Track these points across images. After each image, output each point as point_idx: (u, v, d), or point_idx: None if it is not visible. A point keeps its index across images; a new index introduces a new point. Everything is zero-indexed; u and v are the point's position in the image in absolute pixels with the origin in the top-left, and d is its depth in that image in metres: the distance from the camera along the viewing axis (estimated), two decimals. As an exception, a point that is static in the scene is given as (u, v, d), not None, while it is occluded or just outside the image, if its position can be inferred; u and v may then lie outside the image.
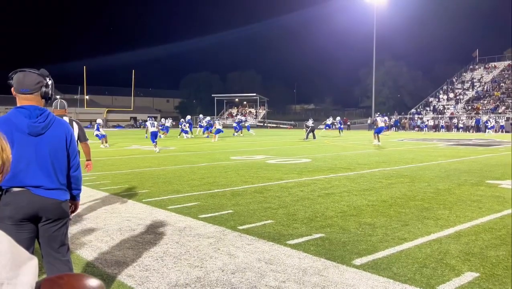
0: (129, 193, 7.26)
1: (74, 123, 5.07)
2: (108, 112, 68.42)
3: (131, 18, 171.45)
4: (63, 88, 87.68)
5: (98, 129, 20.67)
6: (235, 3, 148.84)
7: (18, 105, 2.48)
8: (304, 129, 26.33)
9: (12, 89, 2.49)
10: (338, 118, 34.54)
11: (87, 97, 67.25)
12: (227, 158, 13.77)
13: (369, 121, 50.98)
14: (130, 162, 12.56)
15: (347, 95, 79.34)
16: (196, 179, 8.88)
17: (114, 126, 68.28)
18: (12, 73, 2.49)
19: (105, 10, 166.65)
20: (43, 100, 2.55)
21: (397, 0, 54.96)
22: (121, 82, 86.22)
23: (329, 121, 36.59)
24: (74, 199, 2.76)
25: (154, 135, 16.81)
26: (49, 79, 2.57)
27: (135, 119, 72.55)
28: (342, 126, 33.93)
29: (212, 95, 72.85)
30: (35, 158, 2.44)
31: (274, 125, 64.75)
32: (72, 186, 2.70)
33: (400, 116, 54.79)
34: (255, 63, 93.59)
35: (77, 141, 4.81)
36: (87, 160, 5.44)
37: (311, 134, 25.86)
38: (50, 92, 2.56)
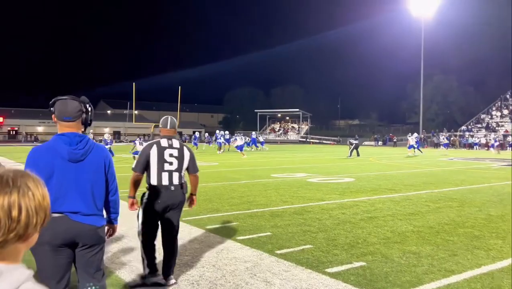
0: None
1: (185, 150, 4.04)
2: (155, 126, 70.49)
3: (178, 37, 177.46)
4: (113, 103, 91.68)
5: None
6: (278, 20, 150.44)
7: (59, 131, 2.56)
8: (348, 146, 25.79)
9: (54, 116, 2.58)
10: (415, 135, 29.75)
11: (136, 112, 69.73)
12: (267, 175, 13.71)
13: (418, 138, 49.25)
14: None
15: (393, 111, 77.25)
16: (236, 198, 8.87)
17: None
18: (54, 101, 2.59)
19: (153, 30, 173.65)
20: (83, 126, 2.64)
21: (446, 13, 53.29)
22: (168, 98, 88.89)
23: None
24: (112, 223, 2.81)
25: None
26: (89, 106, 2.65)
27: (180, 134, 74.21)
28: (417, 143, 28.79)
29: (255, 110, 73.38)
30: (74, 184, 2.50)
31: (317, 141, 64.13)
32: (110, 210, 2.75)
33: (450, 133, 52.60)
34: (298, 78, 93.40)
35: (186, 170, 4.04)
36: (191, 193, 4.31)
37: (355, 151, 25.30)
38: (89, 118, 2.64)
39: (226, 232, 5.83)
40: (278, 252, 4.90)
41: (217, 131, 35.04)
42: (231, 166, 17.54)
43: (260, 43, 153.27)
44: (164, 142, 3.92)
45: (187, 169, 4.07)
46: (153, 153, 3.86)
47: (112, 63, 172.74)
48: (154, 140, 3.94)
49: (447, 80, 61.48)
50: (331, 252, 4.92)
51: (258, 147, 34.33)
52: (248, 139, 33.43)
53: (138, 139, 20.06)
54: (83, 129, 2.65)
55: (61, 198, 2.47)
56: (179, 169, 3.92)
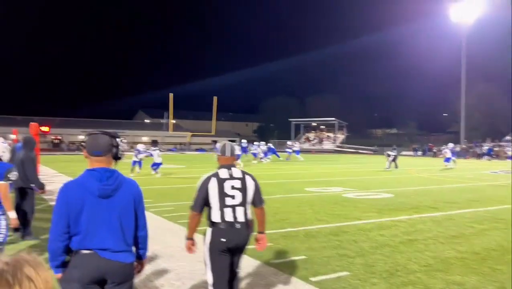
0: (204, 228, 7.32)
1: (249, 178, 3.54)
2: (192, 136, 71.68)
3: (215, 45, 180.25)
4: (151, 113, 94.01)
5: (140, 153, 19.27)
6: (312, 26, 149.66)
7: (89, 167, 2.55)
8: (386, 157, 25.04)
9: (85, 151, 2.58)
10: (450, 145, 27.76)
11: (173, 121, 71.14)
12: (301, 189, 13.51)
13: (458, 148, 47.46)
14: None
15: (433, 119, 74.91)
16: (269, 214, 8.69)
17: (197, 150, 71.21)
18: (86, 136, 2.60)
19: (190, 39, 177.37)
20: (114, 160, 2.62)
21: (489, 17, 51.25)
22: (204, 107, 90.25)
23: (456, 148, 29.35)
24: (141, 258, 2.77)
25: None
26: (119, 139, 2.63)
27: (215, 142, 75.12)
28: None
29: (289, 119, 73.15)
30: (104, 220, 2.48)
31: (353, 151, 63.03)
32: (139, 245, 2.72)
33: (494, 143, 50.30)
34: (334, 85, 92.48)
35: (252, 203, 3.55)
36: (259, 232, 3.66)
37: (393, 163, 24.55)
38: (119, 152, 2.63)
39: (259, 254, 5.72)
40: (313, 279, 4.74)
41: (243, 140, 34.82)
42: (265, 178, 17.43)
43: (295, 49, 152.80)
44: (223, 173, 3.43)
45: (253, 202, 3.55)
46: (212, 186, 3.38)
47: (150, 73, 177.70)
48: (212, 172, 3.45)
49: (491, 87, 58.98)
50: (369, 280, 4.70)
51: (278, 156, 33.15)
52: (264, 148, 31.77)
53: (141, 146, 18.40)
54: (113, 164, 2.63)
55: (90, 235, 2.45)
56: (243, 203, 3.44)
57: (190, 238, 3.53)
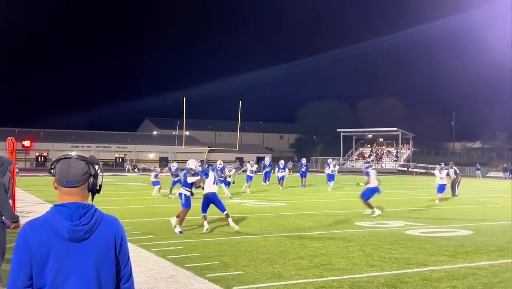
0: (218, 275, 7.34)
1: None
2: (210, 151, 72.37)
3: (236, 37, 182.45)
4: (160, 123, 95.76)
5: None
6: (369, 8, 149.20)
7: (59, 201, 2.57)
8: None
9: (54, 180, 2.60)
10: None
11: (186, 133, 72.15)
12: (350, 223, 13.36)
13: None
14: (226, 224, 12.86)
15: (530, 130, 72.69)
16: (305, 257, 8.68)
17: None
18: (55, 162, 2.61)
19: (205, 31, 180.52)
20: (90, 193, 2.62)
21: None
22: (226, 115, 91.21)
23: None
24: None
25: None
26: (98, 167, 2.64)
27: (241, 160, 75.51)
28: None
29: (338, 130, 72.77)
30: (75, 270, 2.48)
31: (423, 171, 61.93)
32: None
33: None
34: (395, 86, 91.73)
35: None
36: None
37: (454, 187, 23.73)
38: (98, 183, 2.62)
39: (288, 311, 5.66)
40: None
41: (266, 158, 33.38)
42: (302, 208, 17.35)
43: (344, 39, 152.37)
44: None
45: None
46: None
47: (158, 73, 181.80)
48: None
49: None
50: None
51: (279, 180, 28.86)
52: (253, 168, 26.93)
53: (157, 168, 20.44)
54: (90, 198, 2.64)
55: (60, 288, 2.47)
56: None
57: None
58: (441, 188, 20.78)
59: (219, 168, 19.72)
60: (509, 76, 72.98)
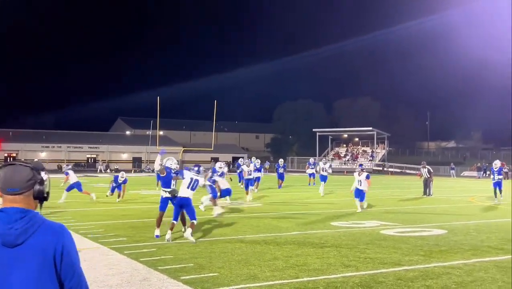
0: (192, 277, 7.32)
1: None
2: (184, 151, 71.98)
3: (211, 36, 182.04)
4: (133, 123, 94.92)
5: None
6: (344, 8, 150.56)
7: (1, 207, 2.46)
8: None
9: None
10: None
11: (160, 132, 71.62)
12: (326, 223, 13.46)
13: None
14: (201, 226, 12.83)
15: (503, 130, 74.27)
16: (281, 258, 8.72)
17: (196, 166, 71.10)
18: None
19: (179, 30, 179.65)
20: (36, 201, 2.50)
21: None
22: (201, 114, 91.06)
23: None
24: None
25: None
26: (45, 173, 2.56)
27: (216, 160, 75.23)
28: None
29: (313, 129, 73.23)
30: (10, 278, 2.33)
31: (398, 170, 62.75)
32: None
33: None
34: (371, 86, 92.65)
35: None
36: None
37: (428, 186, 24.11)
38: (45, 190, 2.51)
39: (263, 312, 5.69)
40: None
41: (240, 160, 30.53)
42: (278, 209, 17.39)
43: (321, 39, 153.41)
44: None
45: None
46: None
47: (131, 72, 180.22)
48: None
49: None
50: None
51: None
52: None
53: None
54: (38, 206, 2.51)
55: None
56: None
57: None
58: (359, 193, 16.67)
59: (218, 173, 17.04)
60: (481, 76, 74.51)
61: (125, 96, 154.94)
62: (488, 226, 13.13)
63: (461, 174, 57.22)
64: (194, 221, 10.68)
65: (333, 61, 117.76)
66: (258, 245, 10.05)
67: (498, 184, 20.42)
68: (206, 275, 7.49)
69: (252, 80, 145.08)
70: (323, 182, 24.82)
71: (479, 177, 52.12)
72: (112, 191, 20.44)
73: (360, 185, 16.66)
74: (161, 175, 11.57)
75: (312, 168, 31.64)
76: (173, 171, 11.59)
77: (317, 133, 72.84)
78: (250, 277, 7.37)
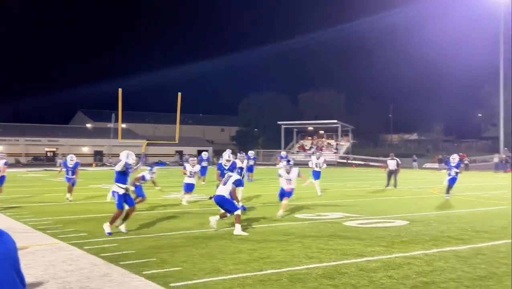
0: (155, 272, 7.27)
1: None
2: (148, 144, 71.23)
3: (174, 25, 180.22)
4: (94, 115, 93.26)
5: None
6: (308, 1, 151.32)
7: None
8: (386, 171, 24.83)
9: None
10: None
11: (123, 125, 70.53)
12: (291, 215, 13.57)
13: (496, 159, 48.37)
14: (164, 220, 12.75)
15: (464, 122, 76.31)
16: (245, 251, 8.74)
17: (156, 163, 70.70)
18: None
19: (141, 21, 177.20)
20: None
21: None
22: (164, 107, 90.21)
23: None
24: None
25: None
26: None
27: (180, 153, 74.83)
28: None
29: (279, 122, 73.59)
30: None
31: (361, 163, 63.68)
32: None
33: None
34: (336, 79, 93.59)
35: None
36: None
37: (392, 178, 24.13)
38: None
39: (226, 305, 5.70)
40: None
41: (204, 153, 29.40)
42: (244, 202, 17.39)
43: (284, 33, 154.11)
44: None
45: None
46: None
47: (92, 63, 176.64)
48: None
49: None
50: (368, 339, 4.72)
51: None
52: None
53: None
54: None
55: None
56: None
57: None
58: (284, 194, 13.78)
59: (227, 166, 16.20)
60: (443, 70, 76.24)
61: (86, 88, 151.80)
62: (449, 217, 13.47)
63: (423, 166, 58.44)
64: (237, 212, 10.76)
65: (299, 54, 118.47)
66: (222, 239, 10.05)
67: (452, 180, 19.09)
68: (169, 269, 7.45)
69: (217, 72, 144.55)
70: (317, 181, 20.33)
71: (440, 169, 53.38)
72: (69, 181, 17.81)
73: (289, 184, 13.68)
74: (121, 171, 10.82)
75: (283, 161, 31.38)
76: (133, 167, 11.22)
77: (282, 126, 73.24)
78: (213, 270, 7.37)
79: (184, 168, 16.74)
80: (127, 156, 10.95)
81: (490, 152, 59.31)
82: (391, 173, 24.15)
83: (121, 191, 10.75)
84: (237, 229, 10.54)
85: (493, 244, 9.48)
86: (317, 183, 20.29)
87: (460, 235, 10.48)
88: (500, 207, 16.02)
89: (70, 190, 17.51)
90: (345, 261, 8.00)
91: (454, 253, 8.63)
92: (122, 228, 10.65)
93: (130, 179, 11.10)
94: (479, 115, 74.01)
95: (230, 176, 11.30)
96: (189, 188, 16.38)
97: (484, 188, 24.39)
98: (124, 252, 8.71)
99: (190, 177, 16.32)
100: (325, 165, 21.97)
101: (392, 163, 24.33)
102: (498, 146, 52.58)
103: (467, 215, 13.90)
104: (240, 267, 7.61)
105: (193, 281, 6.78)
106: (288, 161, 16.06)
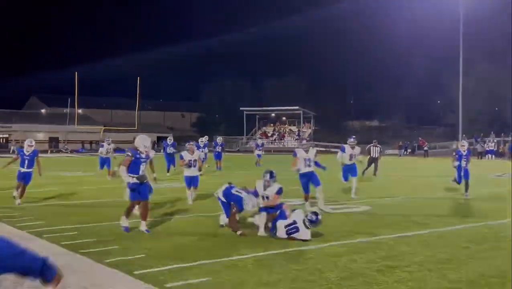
0: (118, 259, 7.20)
1: None
2: (105, 130, 70.06)
3: (133, 9, 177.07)
4: (49, 100, 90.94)
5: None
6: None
7: None
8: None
9: None
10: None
11: (79, 111, 69.29)
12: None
13: (455, 145, 49.69)
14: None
15: (424, 109, 78.03)
16: (208, 239, 8.76)
17: (113, 150, 69.50)
18: None
19: (100, 1, 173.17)
20: None
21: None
22: (123, 92, 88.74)
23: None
24: None
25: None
26: None
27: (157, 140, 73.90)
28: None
29: (241, 108, 73.53)
30: None
31: (323, 149, 64.36)
32: None
33: (499, 138, 53.16)
34: (298, 66, 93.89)
35: None
36: None
37: (372, 165, 24.48)
38: None
39: (192, 292, 5.71)
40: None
41: (169, 139, 27.46)
42: (207, 189, 17.36)
43: (248, 18, 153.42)
44: None
45: None
46: None
47: (46, 44, 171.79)
48: None
49: (495, 70, 62.11)
50: (336, 322, 4.82)
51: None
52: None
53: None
54: None
55: None
56: None
57: None
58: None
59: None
60: (405, 56, 77.61)
61: (40, 72, 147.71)
62: (411, 202, 13.82)
63: (385, 152, 59.57)
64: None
65: (259, 40, 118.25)
66: (189, 226, 10.05)
67: (466, 174, 15.68)
68: (132, 257, 7.39)
69: (178, 57, 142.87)
70: (355, 178, 16.87)
71: (400, 155, 54.62)
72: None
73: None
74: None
75: (259, 150, 32.65)
76: (143, 155, 9.63)
77: (244, 112, 73.25)
78: (178, 258, 7.34)
79: (181, 157, 13.81)
80: (141, 142, 9.66)
81: (449, 139, 61.02)
82: (373, 161, 23.73)
83: (132, 181, 9.48)
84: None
85: (455, 228, 9.78)
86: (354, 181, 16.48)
87: (423, 219, 10.76)
88: (460, 193, 16.45)
89: (22, 191, 13.17)
90: (311, 246, 8.10)
91: (417, 237, 8.86)
92: (143, 227, 9.43)
93: (142, 167, 9.62)
94: (438, 102, 75.80)
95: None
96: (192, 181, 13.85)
97: (445, 173, 24.98)
98: (85, 240, 8.56)
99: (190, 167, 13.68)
100: (360, 156, 17.48)
101: (375, 150, 23.99)
102: (458, 132, 53.95)
103: (429, 200, 14.27)
104: (207, 253, 7.59)
105: (158, 269, 6.73)
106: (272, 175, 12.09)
